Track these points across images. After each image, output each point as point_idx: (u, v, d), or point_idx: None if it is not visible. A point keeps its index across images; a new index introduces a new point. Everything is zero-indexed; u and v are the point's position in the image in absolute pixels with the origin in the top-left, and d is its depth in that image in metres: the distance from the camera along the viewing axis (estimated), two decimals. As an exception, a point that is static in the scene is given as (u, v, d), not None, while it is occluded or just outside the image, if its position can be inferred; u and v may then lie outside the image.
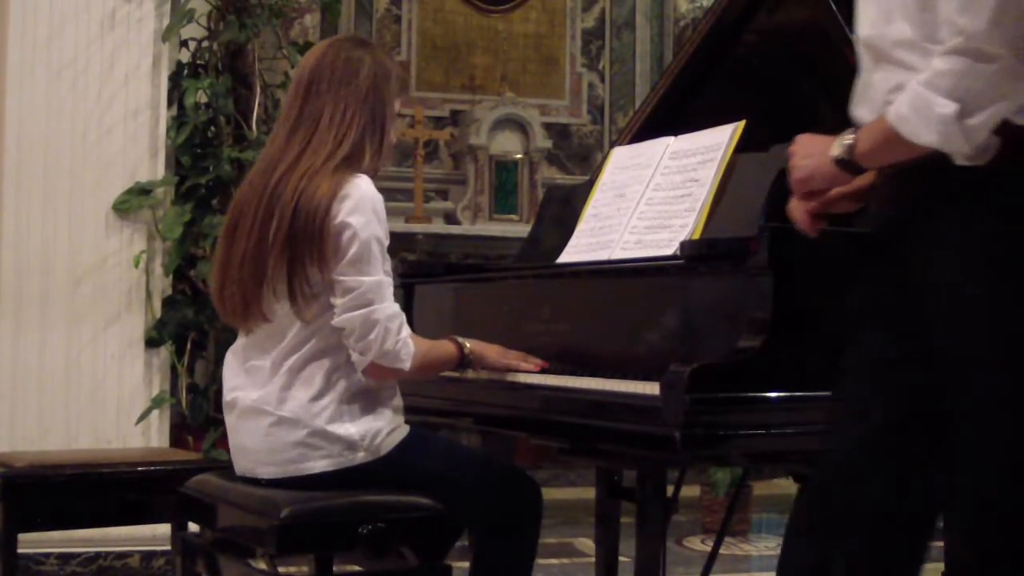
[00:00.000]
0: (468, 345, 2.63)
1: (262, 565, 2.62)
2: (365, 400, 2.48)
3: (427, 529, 2.49)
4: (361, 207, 2.44)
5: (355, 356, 2.46)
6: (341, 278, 2.43)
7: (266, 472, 2.49)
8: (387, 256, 2.50)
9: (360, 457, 2.46)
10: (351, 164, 2.50)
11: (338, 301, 2.44)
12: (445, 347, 2.62)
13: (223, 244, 2.58)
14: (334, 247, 2.42)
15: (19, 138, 4.27)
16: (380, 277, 2.46)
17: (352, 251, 2.42)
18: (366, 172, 2.52)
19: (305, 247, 2.42)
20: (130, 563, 4.23)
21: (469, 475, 2.55)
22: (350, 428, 2.45)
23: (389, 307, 2.46)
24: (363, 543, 2.40)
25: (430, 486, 2.49)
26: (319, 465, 2.44)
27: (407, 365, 2.47)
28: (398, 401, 2.57)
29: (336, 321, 2.44)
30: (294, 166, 2.48)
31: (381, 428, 2.48)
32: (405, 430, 2.54)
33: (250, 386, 2.53)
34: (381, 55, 2.65)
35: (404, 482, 2.48)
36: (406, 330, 2.48)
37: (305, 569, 3.56)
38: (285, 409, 2.46)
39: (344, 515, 2.42)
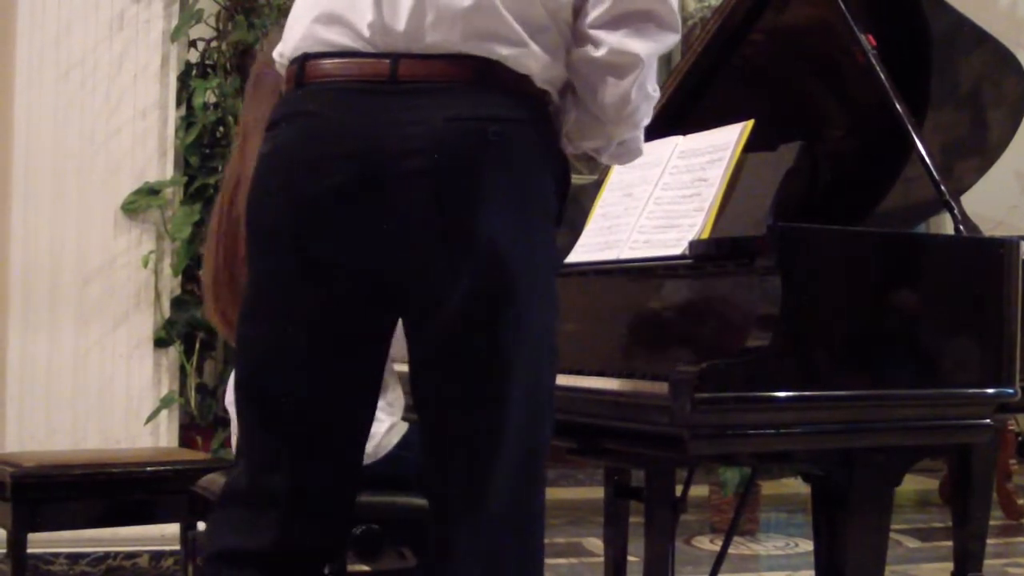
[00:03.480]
0: None
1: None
2: None
3: (420, 530, 2.49)
4: None
5: None
6: None
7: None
8: None
9: (360, 460, 2.45)
10: None
11: None
12: None
13: (210, 249, 2.54)
14: None
15: (28, 138, 4.28)
16: None
17: None
18: None
19: None
20: (139, 563, 4.24)
21: None
22: None
23: None
24: (356, 544, 2.40)
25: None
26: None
27: None
28: (396, 396, 2.55)
29: None
30: None
31: (380, 427, 2.47)
32: (403, 428, 2.54)
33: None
34: None
35: (403, 481, 2.48)
36: None
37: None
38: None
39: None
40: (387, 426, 2.49)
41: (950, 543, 2.94)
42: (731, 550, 3.48)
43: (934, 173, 2.53)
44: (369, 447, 2.45)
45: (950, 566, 2.93)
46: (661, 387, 2.12)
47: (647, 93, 1.86)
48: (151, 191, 4.33)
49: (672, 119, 3.12)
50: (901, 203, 2.91)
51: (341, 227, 1.73)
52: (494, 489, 1.76)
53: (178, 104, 4.54)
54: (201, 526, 2.93)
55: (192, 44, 4.81)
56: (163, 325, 4.37)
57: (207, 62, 4.81)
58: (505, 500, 1.77)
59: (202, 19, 4.56)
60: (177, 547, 3.87)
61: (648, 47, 1.79)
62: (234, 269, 2.44)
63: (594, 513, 4.93)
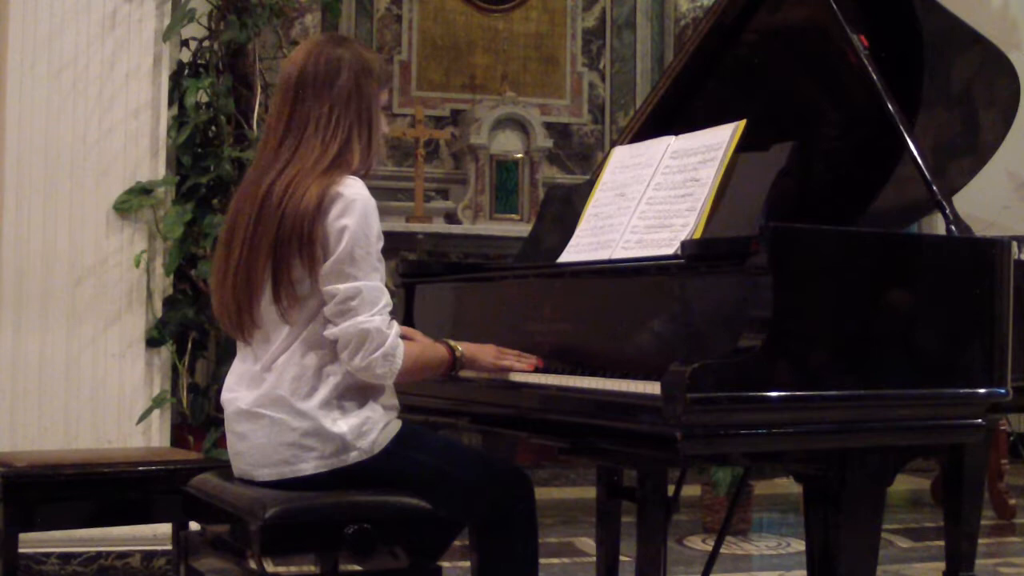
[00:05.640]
0: (460, 348, 2.59)
1: (266, 566, 2.62)
2: (356, 396, 2.47)
3: (414, 529, 2.49)
4: (350, 209, 2.42)
5: (345, 365, 2.46)
6: (328, 286, 2.41)
7: (261, 474, 2.49)
8: (381, 261, 2.48)
9: (353, 457, 2.45)
10: (340, 166, 2.49)
11: (326, 309, 2.43)
12: (436, 352, 2.59)
13: (221, 253, 2.57)
14: (323, 249, 2.41)
15: (19, 138, 4.27)
16: (368, 282, 2.42)
17: (339, 252, 2.40)
18: (358, 172, 2.52)
19: (292, 249, 2.41)
20: (131, 563, 4.23)
21: (460, 471, 2.53)
22: (342, 426, 2.44)
23: (375, 320, 2.42)
24: (348, 544, 2.39)
25: (422, 483, 2.49)
26: (310, 466, 2.44)
27: (389, 381, 2.47)
28: (390, 396, 2.55)
29: (327, 333, 2.44)
30: (283, 172, 2.48)
31: (373, 425, 2.47)
32: (397, 425, 2.53)
33: (244, 390, 2.53)
34: (360, 50, 2.61)
35: (397, 479, 2.48)
36: (392, 342, 2.43)
37: (312, 569, 3.55)
38: (276, 410, 2.45)
39: (329, 516, 2.41)
40: (381, 424, 2.49)
41: (942, 543, 2.94)
42: (723, 550, 3.49)
43: (926, 173, 2.53)
44: (364, 444, 2.46)
45: (942, 566, 2.93)
46: (653, 387, 2.12)
47: None
48: (143, 191, 4.33)
49: (665, 119, 3.13)
50: (893, 203, 2.91)
51: None
52: None
53: (170, 104, 4.53)
54: (194, 526, 2.92)
55: (184, 43, 4.81)
56: (155, 325, 4.37)
57: (199, 61, 4.80)
58: None
59: (194, 18, 4.55)
60: (169, 547, 3.87)
61: None
62: (251, 271, 2.47)
63: (586, 513, 4.94)
